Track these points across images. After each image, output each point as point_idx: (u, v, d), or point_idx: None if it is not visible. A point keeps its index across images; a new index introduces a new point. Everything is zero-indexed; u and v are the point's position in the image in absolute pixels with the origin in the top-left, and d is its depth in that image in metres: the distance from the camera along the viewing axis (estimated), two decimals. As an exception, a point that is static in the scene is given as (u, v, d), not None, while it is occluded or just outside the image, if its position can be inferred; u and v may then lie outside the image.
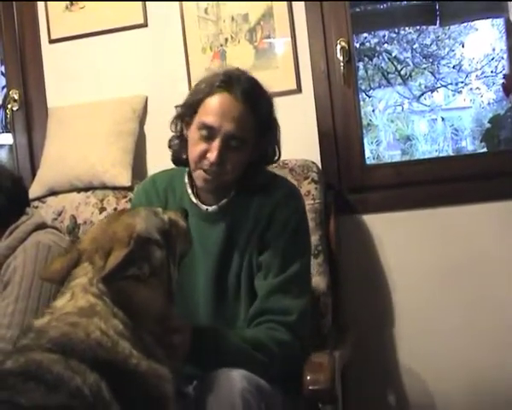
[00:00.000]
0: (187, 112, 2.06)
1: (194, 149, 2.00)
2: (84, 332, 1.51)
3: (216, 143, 1.95)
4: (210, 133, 1.96)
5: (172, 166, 2.22)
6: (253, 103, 1.99)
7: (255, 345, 1.90)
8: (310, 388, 1.91)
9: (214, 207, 2.09)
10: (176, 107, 2.13)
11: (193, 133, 2.02)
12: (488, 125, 6.96)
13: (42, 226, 2.32)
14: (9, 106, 3.16)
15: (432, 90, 8.27)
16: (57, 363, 1.44)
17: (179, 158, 2.14)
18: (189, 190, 2.13)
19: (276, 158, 2.15)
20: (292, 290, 1.99)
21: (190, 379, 1.97)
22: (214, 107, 1.97)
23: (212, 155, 1.95)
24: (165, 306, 1.70)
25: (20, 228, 2.25)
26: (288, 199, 2.09)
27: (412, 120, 8.39)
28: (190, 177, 2.13)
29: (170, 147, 2.17)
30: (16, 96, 3.14)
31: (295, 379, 1.96)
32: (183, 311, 1.94)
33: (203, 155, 1.98)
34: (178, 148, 2.13)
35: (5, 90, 3.30)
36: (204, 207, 2.10)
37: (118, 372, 1.49)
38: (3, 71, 3.30)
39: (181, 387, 1.90)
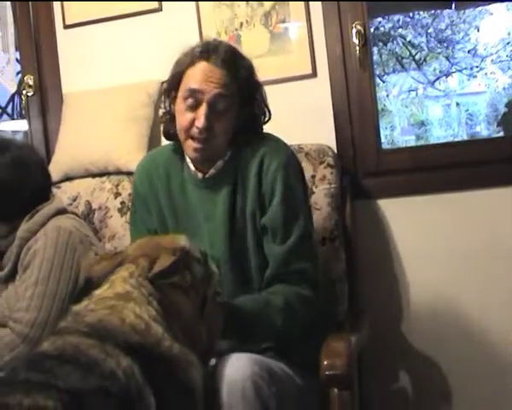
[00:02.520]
0: (171, 86, 2.13)
1: (182, 119, 2.06)
2: (118, 318, 1.55)
3: (202, 110, 2.01)
4: (195, 100, 2.03)
5: None
6: (233, 68, 2.06)
7: (286, 309, 1.95)
8: (326, 373, 1.91)
9: (211, 171, 2.12)
10: (162, 83, 2.20)
11: (179, 105, 2.08)
12: (505, 110, 6.92)
13: (62, 211, 2.33)
14: (24, 91, 3.16)
15: (446, 75, 8.21)
16: (93, 347, 1.46)
17: (168, 133, 2.20)
18: (188, 159, 2.17)
19: (267, 119, 2.19)
20: (301, 253, 2.03)
21: None
22: (197, 73, 2.04)
23: (200, 121, 2.01)
24: (195, 319, 1.73)
25: (41, 212, 2.25)
26: (274, 150, 2.12)
27: (426, 105, 8.35)
28: None
29: (161, 123, 2.24)
30: (31, 82, 3.14)
31: (310, 359, 1.98)
32: None
33: (191, 124, 2.04)
34: (167, 123, 2.19)
35: (20, 75, 3.30)
36: (200, 174, 2.13)
37: (150, 355, 1.52)
38: (18, 57, 3.29)
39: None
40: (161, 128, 2.26)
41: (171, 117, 2.16)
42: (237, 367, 1.76)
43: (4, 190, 2.22)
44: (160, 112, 2.26)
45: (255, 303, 1.96)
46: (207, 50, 2.07)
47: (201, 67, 2.04)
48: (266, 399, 1.76)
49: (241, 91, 2.08)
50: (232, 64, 2.06)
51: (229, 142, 2.11)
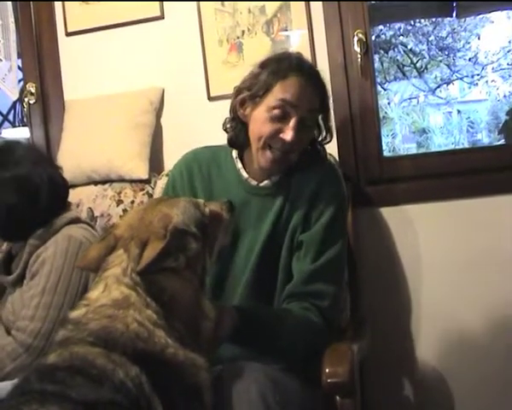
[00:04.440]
0: (256, 93, 2.08)
1: (263, 128, 2.05)
2: (123, 324, 1.53)
3: (292, 123, 2.01)
4: (284, 112, 2.02)
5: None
6: (320, 86, 2.10)
7: (292, 325, 1.96)
8: (328, 381, 1.91)
9: (266, 182, 2.14)
10: (235, 88, 2.16)
11: (261, 113, 2.06)
12: (506, 118, 6.92)
13: (75, 221, 2.31)
14: (26, 99, 3.16)
15: (447, 83, 8.22)
16: (100, 357, 1.45)
17: (236, 140, 2.18)
18: (239, 165, 2.18)
19: (329, 140, 2.22)
20: (327, 276, 2.05)
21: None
22: (292, 86, 2.03)
23: (289, 135, 2.01)
24: (197, 296, 1.70)
25: (54, 220, 2.24)
26: (333, 178, 2.18)
27: (428, 113, 8.35)
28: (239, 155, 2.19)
29: (225, 130, 2.21)
30: (33, 90, 3.15)
31: (314, 370, 1.97)
32: (219, 284, 2.06)
33: (275, 135, 2.03)
34: (234, 130, 2.17)
35: (22, 83, 3.30)
36: (254, 182, 2.15)
37: (156, 363, 1.50)
38: (20, 64, 3.30)
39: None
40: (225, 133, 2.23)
41: (239, 124, 2.15)
42: (243, 375, 1.77)
43: (13, 214, 2.20)
44: (226, 118, 2.22)
45: (265, 314, 1.97)
46: (299, 65, 2.08)
47: (296, 82, 2.04)
48: (272, 407, 1.75)
49: (320, 109, 2.13)
50: (319, 81, 2.11)
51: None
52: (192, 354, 1.58)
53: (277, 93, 2.03)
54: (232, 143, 2.20)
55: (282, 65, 2.06)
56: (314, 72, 2.12)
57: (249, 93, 2.10)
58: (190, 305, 1.67)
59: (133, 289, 1.59)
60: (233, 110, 2.16)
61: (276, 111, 2.02)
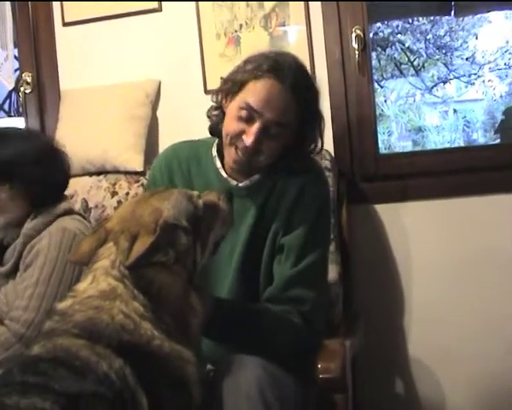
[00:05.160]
0: (231, 88, 2.00)
1: (231, 125, 1.97)
2: (108, 316, 1.51)
3: (254, 128, 1.92)
4: (250, 116, 1.92)
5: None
6: (300, 95, 1.94)
7: (270, 321, 1.91)
8: (321, 376, 1.92)
9: (246, 182, 2.06)
10: (221, 78, 2.08)
11: (233, 110, 1.98)
12: (502, 117, 6.92)
13: (69, 212, 2.29)
14: (22, 89, 3.16)
15: (444, 82, 8.21)
16: (84, 348, 1.44)
17: (216, 128, 2.09)
18: (219, 164, 2.09)
19: (318, 150, 2.10)
20: (307, 281, 1.97)
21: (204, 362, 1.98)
22: (261, 91, 1.92)
23: (248, 140, 1.93)
24: (186, 290, 1.68)
25: (48, 211, 2.23)
26: (316, 181, 2.07)
27: (424, 112, 8.34)
28: (219, 151, 2.10)
29: (208, 117, 2.12)
30: (29, 79, 3.14)
31: (309, 369, 1.96)
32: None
33: (239, 134, 1.95)
34: (216, 119, 2.09)
35: (18, 72, 3.29)
36: (234, 182, 2.07)
37: (141, 355, 1.49)
38: (17, 54, 3.29)
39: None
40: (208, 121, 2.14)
41: (221, 113, 2.06)
42: (242, 369, 1.76)
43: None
44: (210, 104, 2.13)
45: (245, 308, 1.94)
46: (277, 68, 1.93)
47: (267, 85, 1.92)
48: (270, 402, 1.74)
49: (300, 118, 1.98)
50: (299, 89, 1.94)
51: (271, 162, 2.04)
52: (178, 347, 1.57)
53: (246, 94, 1.94)
54: (212, 131, 2.13)
55: (263, 65, 1.94)
56: (297, 82, 1.94)
57: (227, 86, 2.03)
58: (179, 299, 1.65)
59: (120, 281, 1.58)
60: (217, 100, 2.09)
61: (243, 112, 1.93)
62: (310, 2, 2.80)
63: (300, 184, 2.03)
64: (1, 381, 1.42)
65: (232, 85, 2.00)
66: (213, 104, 2.11)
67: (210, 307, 1.76)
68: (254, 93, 1.92)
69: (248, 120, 1.93)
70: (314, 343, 2.01)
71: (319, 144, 2.08)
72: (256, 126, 1.92)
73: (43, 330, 1.57)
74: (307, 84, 2.01)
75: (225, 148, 2.02)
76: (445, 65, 8.10)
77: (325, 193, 2.11)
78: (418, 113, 8.29)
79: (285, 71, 1.93)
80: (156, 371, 1.51)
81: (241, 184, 2.06)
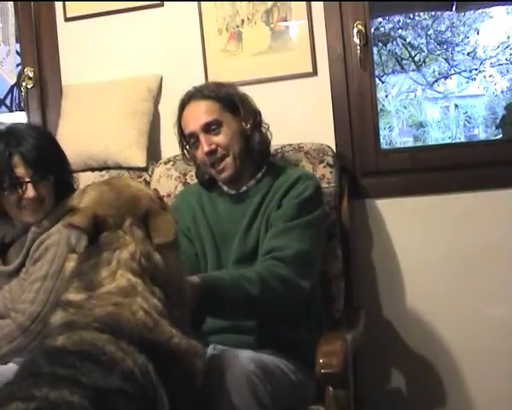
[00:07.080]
0: (181, 137, 2.37)
1: (198, 156, 2.31)
2: (129, 312, 1.51)
3: (201, 139, 2.25)
4: (196, 137, 2.27)
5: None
6: (213, 93, 2.29)
7: (258, 281, 1.97)
8: (322, 371, 1.92)
9: (244, 188, 2.31)
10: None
11: (193, 149, 2.33)
12: (503, 113, 6.92)
13: None
14: (24, 84, 3.15)
15: (445, 77, 8.20)
16: (109, 343, 1.45)
17: (201, 173, 2.41)
18: (220, 183, 2.35)
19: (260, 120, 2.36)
20: (292, 234, 2.12)
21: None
22: (186, 118, 2.31)
23: (204, 149, 2.24)
24: (182, 275, 1.72)
25: (59, 208, 2.24)
26: (307, 177, 2.29)
27: (425, 107, 8.34)
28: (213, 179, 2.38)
29: (197, 176, 2.44)
30: (31, 74, 3.14)
31: (308, 354, 2.00)
32: None
33: (204, 156, 2.26)
34: (198, 167, 2.41)
35: (20, 67, 3.29)
36: (233, 191, 2.33)
37: (161, 353, 1.50)
38: (18, 49, 3.29)
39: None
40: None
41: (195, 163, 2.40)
42: (232, 365, 1.78)
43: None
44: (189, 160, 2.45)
45: (229, 275, 1.99)
46: (190, 93, 2.32)
47: (188, 110, 2.31)
48: (261, 396, 1.77)
49: (227, 106, 2.28)
50: (210, 90, 2.30)
51: (258, 164, 2.33)
52: (193, 342, 1.59)
53: (184, 130, 2.33)
54: (200, 177, 2.43)
55: (180, 104, 2.33)
56: (206, 87, 2.34)
57: (180, 141, 2.40)
58: (178, 285, 1.67)
59: (140, 276, 1.56)
60: (190, 159, 2.42)
61: (192, 141, 2.30)
62: (312, -2, 2.80)
63: (295, 177, 2.26)
64: (27, 370, 1.42)
65: (179, 132, 2.36)
66: (191, 165, 2.46)
67: (196, 293, 1.81)
68: (184, 123, 2.32)
69: (198, 141, 2.27)
70: (302, 287, 2.06)
71: (258, 115, 2.35)
72: (200, 137, 2.26)
73: (56, 320, 1.55)
74: (215, 84, 2.36)
75: (214, 176, 2.32)
76: (447, 60, 8.09)
77: (315, 186, 2.27)
78: (419, 108, 8.29)
79: (195, 90, 2.32)
80: (173, 367, 1.52)
81: (240, 190, 2.32)
